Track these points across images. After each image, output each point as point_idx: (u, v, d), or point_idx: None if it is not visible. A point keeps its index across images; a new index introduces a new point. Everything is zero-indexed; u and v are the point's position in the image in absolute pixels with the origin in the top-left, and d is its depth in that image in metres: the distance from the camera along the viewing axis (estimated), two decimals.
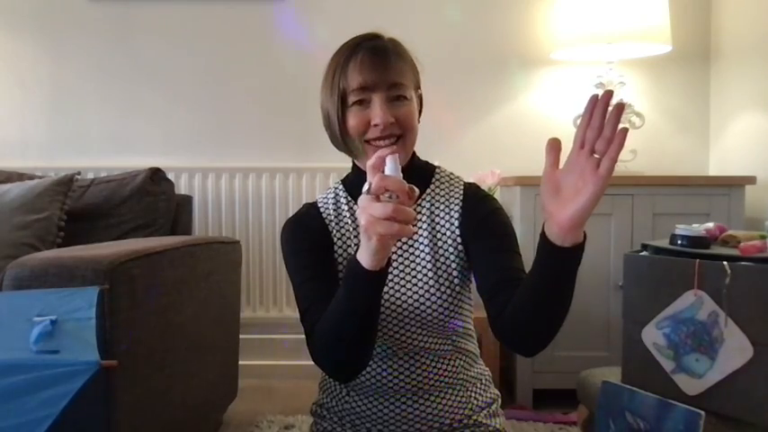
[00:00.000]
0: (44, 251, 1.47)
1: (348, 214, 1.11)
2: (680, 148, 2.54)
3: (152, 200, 2.06)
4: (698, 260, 1.35)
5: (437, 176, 1.13)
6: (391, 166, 0.78)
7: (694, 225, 1.54)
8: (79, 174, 2.06)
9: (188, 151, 2.55)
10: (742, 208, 2.09)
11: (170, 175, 2.19)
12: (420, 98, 1.11)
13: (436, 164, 1.17)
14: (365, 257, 0.83)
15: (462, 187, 1.13)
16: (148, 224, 2.03)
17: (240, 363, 2.10)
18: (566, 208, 0.79)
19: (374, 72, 1.01)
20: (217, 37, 2.54)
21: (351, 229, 1.10)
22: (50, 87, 2.56)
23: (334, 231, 1.10)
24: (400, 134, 1.03)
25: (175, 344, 1.50)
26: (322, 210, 1.13)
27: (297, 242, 1.09)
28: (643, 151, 2.40)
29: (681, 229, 1.48)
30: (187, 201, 2.27)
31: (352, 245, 1.09)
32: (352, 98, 1.02)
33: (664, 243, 1.50)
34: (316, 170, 2.48)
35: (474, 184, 1.15)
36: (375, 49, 1.03)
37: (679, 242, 1.45)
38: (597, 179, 0.76)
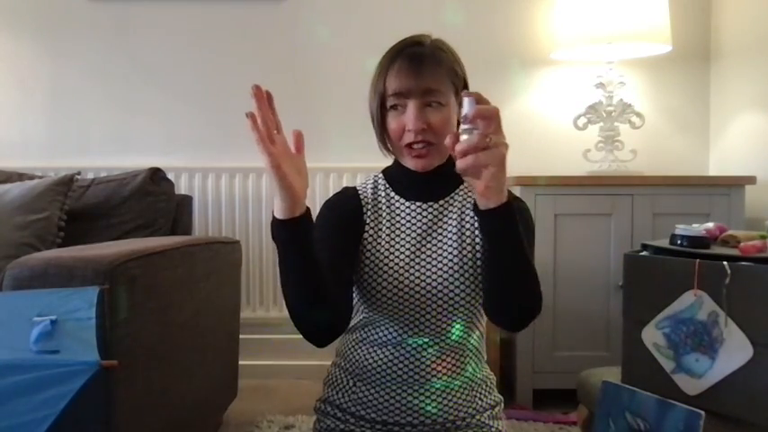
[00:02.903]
0: (44, 251, 1.47)
1: (384, 201, 1.15)
2: (680, 148, 2.54)
3: (152, 200, 2.06)
4: (698, 260, 1.35)
5: None
6: (471, 104, 0.85)
7: (694, 225, 1.54)
8: (79, 174, 2.06)
9: (188, 151, 2.55)
10: (742, 208, 2.09)
11: (170, 175, 2.19)
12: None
13: None
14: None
15: None
16: (148, 224, 2.03)
17: (240, 363, 2.10)
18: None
19: (409, 79, 1.05)
20: (217, 37, 2.54)
21: (385, 215, 1.14)
22: (50, 87, 2.56)
23: (369, 213, 1.14)
24: (433, 141, 1.06)
25: (175, 344, 1.50)
26: (360, 192, 1.17)
27: (328, 215, 1.13)
28: (643, 151, 2.40)
29: (681, 229, 1.48)
30: (187, 201, 2.27)
31: (384, 229, 1.12)
32: (389, 102, 1.08)
33: (664, 243, 1.50)
34: (316, 170, 2.46)
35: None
36: (413, 56, 1.07)
37: (679, 242, 1.45)
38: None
